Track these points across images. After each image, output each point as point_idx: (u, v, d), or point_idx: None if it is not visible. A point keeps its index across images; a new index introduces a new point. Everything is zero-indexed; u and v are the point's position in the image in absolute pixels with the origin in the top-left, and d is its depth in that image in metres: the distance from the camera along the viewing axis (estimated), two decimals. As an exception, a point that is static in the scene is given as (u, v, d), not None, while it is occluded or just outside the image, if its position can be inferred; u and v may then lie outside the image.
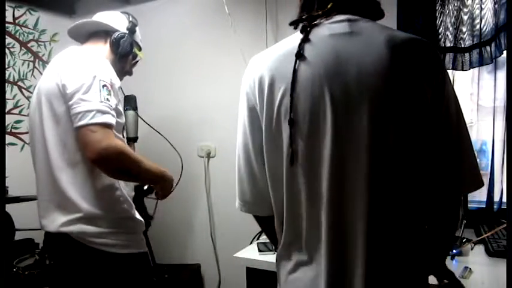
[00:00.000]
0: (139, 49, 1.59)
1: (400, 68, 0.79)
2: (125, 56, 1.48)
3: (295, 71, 0.80)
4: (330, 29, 0.83)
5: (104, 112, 1.19)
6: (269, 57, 0.87)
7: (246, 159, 0.92)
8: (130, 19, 1.52)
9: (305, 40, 0.83)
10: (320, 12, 0.86)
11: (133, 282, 1.35)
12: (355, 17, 0.85)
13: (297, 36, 0.86)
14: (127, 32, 1.48)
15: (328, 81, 0.79)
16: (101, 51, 1.44)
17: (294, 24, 0.88)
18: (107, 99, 1.22)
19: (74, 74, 1.23)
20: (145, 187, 1.70)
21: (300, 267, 0.87)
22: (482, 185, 0.87)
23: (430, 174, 0.84)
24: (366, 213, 0.79)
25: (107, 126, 1.20)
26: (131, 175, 1.29)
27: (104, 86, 1.23)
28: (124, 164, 1.22)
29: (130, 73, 1.60)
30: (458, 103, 0.86)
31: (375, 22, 0.87)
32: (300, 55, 0.81)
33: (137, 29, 1.55)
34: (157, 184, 1.43)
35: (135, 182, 1.39)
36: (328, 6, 0.85)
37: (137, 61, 1.61)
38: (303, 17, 0.87)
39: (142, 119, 1.81)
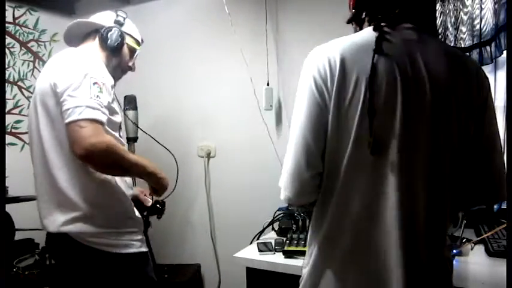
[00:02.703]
0: (137, 43, 1.55)
1: (458, 82, 0.87)
2: (116, 49, 1.44)
3: (374, 65, 0.83)
4: (401, 34, 0.88)
5: (93, 108, 1.19)
6: (339, 45, 0.88)
7: (307, 143, 0.89)
8: (118, 13, 1.49)
9: (382, 38, 0.86)
10: (392, 16, 0.89)
11: (134, 282, 1.35)
12: (417, 27, 0.90)
13: (367, 32, 0.90)
14: (114, 25, 1.45)
15: (401, 82, 0.84)
16: (92, 49, 1.42)
17: (377, 21, 0.90)
18: (98, 96, 1.21)
19: (64, 72, 1.24)
20: (149, 203, 1.61)
21: (341, 258, 0.89)
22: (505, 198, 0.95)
23: (464, 183, 0.93)
24: (424, 206, 0.85)
25: (96, 122, 1.19)
26: (122, 169, 1.28)
27: (95, 83, 1.22)
28: (113, 158, 1.21)
29: (131, 68, 1.56)
30: (497, 123, 0.95)
31: (431, 35, 0.93)
32: (379, 51, 0.84)
33: (128, 21, 1.51)
34: (150, 178, 1.40)
35: (128, 177, 1.37)
36: (396, 11, 0.89)
37: (136, 54, 1.55)
38: (379, 16, 0.91)
39: (135, 124, 1.81)
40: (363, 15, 0.95)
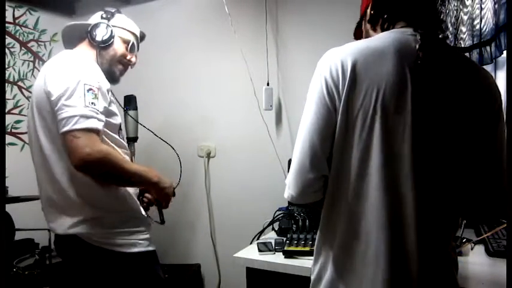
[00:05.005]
0: (133, 34, 1.52)
1: (471, 92, 0.88)
2: (106, 43, 1.42)
3: (394, 72, 0.84)
4: (419, 40, 0.88)
5: (88, 117, 1.18)
6: (353, 49, 0.89)
7: (313, 144, 0.89)
8: (105, 9, 1.48)
9: (423, 45, 0.87)
10: (415, 20, 0.91)
11: (142, 281, 1.35)
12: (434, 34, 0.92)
13: (382, 37, 0.90)
14: (101, 20, 1.43)
15: (414, 87, 0.84)
16: (84, 50, 1.42)
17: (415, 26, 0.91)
18: (93, 103, 1.20)
19: (57, 79, 1.22)
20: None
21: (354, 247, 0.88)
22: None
23: (471, 193, 0.92)
24: (437, 207, 0.87)
25: (91, 131, 1.18)
26: (120, 178, 1.28)
27: (90, 89, 1.21)
28: (109, 168, 1.21)
29: (130, 62, 1.52)
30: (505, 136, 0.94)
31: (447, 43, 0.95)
32: (425, 57, 0.85)
33: (118, 15, 1.49)
34: (152, 188, 1.40)
35: (127, 186, 1.36)
36: (420, 16, 0.92)
37: (132, 45, 1.50)
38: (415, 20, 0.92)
39: (140, 123, 1.80)
40: (384, 16, 0.94)
